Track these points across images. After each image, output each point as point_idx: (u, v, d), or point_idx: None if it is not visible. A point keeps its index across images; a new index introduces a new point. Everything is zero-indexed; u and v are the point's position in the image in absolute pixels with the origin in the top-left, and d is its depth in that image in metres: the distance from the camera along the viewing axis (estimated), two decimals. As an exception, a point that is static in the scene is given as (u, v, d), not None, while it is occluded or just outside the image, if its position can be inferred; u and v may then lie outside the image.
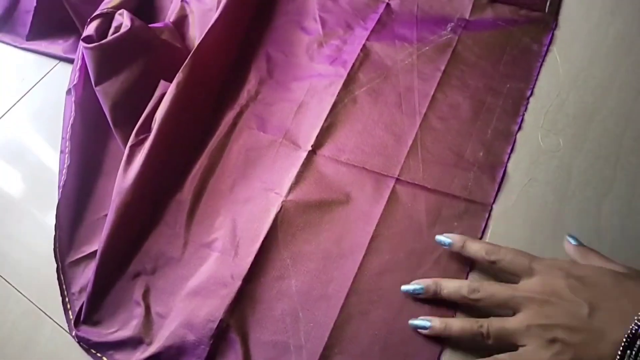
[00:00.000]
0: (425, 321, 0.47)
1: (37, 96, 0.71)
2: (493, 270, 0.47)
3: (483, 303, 0.44)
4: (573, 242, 0.46)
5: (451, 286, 0.46)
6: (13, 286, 0.57)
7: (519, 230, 0.51)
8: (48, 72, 0.72)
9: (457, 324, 0.45)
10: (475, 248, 0.47)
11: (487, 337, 0.43)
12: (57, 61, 0.72)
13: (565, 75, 0.58)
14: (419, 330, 0.47)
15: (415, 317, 0.48)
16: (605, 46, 0.58)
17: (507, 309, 0.43)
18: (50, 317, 0.55)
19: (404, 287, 0.49)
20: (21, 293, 0.57)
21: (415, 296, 0.48)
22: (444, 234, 0.49)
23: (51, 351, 0.54)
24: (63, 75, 0.70)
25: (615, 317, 0.39)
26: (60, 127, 0.64)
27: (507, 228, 0.51)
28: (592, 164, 0.53)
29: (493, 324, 0.43)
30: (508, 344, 0.42)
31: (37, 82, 0.72)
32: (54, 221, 0.59)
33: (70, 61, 0.69)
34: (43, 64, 0.73)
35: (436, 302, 0.48)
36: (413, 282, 0.49)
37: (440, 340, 0.47)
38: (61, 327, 0.54)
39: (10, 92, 0.71)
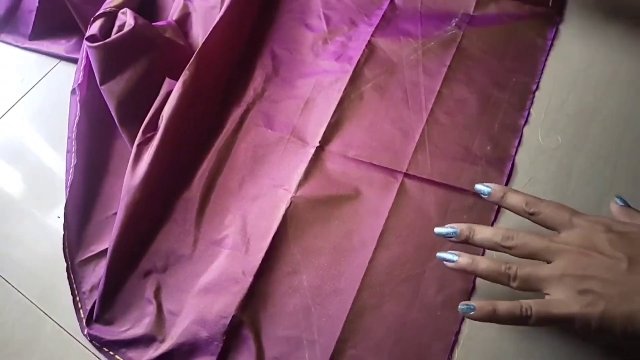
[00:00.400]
0: (452, 255, 0.44)
1: (37, 96, 0.71)
2: (533, 222, 0.44)
3: (516, 251, 0.42)
4: (620, 202, 0.46)
5: (486, 232, 0.43)
6: (13, 286, 0.57)
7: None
8: (48, 72, 0.72)
9: (485, 262, 0.42)
10: (515, 200, 0.44)
11: (514, 279, 0.41)
12: (57, 61, 0.72)
13: (566, 75, 0.58)
14: (445, 262, 0.45)
15: (428, 309, 0.49)
16: (605, 46, 0.59)
17: (540, 259, 0.41)
18: (50, 317, 0.55)
19: (437, 230, 0.46)
20: (21, 293, 0.57)
21: (447, 239, 0.45)
22: (484, 183, 0.46)
23: (51, 351, 0.54)
24: (63, 75, 0.71)
25: None
26: (60, 127, 0.64)
27: (515, 223, 0.52)
28: (592, 164, 0.53)
29: (523, 268, 0.41)
30: (534, 290, 0.41)
31: (37, 82, 0.72)
32: (54, 221, 0.60)
33: (73, 61, 0.70)
34: (43, 64, 0.72)
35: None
36: (448, 225, 0.46)
37: (454, 331, 0.48)
38: (61, 327, 0.54)
39: (10, 92, 0.71)
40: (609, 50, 0.58)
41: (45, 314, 0.55)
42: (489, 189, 0.46)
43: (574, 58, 0.58)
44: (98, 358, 0.52)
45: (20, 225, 0.61)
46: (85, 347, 0.53)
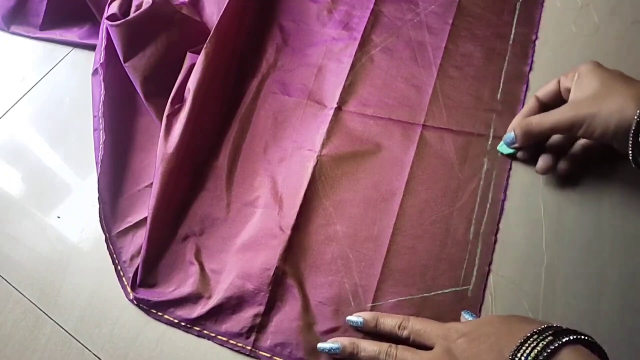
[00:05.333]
0: (335, 344, 0.49)
1: (37, 96, 0.71)
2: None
3: None
4: (468, 317, 0.48)
5: (370, 349, 0.47)
6: (13, 286, 0.58)
7: (520, 229, 0.52)
8: (48, 72, 0.72)
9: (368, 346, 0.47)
10: (390, 323, 0.48)
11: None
12: (57, 61, 0.73)
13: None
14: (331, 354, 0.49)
15: (460, 245, 0.52)
16: (605, 46, 0.59)
17: None
18: (50, 317, 0.55)
19: (320, 345, 0.49)
20: (21, 293, 0.57)
21: (332, 355, 0.49)
22: (355, 313, 0.50)
23: (51, 351, 0.54)
24: (63, 75, 0.72)
25: None
26: (61, 127, 0.66)
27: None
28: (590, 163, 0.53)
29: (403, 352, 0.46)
30: None
31: (37, 82, 0.72)
32: (54, 221, 0.61)
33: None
34: (43, 63, 0.73)
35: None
36: (330, 340, 0.49)
37: (487, 262, 0.51)
38: (61, 327, 0.55)
39: (10, 92, 0.72)
40: (608, 50, 0.59)
41: (45, 314, 0.55)
42: (361, 319, 0.49)
43: (574, 58, 0.59)
44: (98, 358, 0.53)
45: (20, 225, 0.61)
46: (85, 347, 0.53)
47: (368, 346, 0.47)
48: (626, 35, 0.60)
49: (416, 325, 0.47)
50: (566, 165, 0.52)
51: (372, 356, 0.46)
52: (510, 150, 0.54)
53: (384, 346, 0.46)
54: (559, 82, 0.51)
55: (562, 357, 0.37)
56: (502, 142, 0.55)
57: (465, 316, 0.48)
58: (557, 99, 0.52)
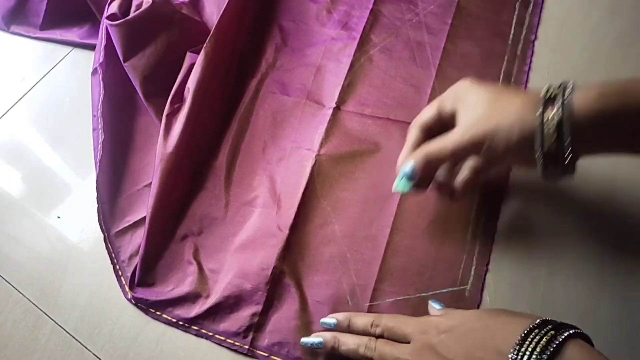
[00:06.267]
0: (317, 338, 0.49)
1: (37, 96, 0.71)
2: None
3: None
4: (437, 306, 0.48)
5: (350, 342, 0.47)
6: (13, 286, 0.58)
7: (520, 229, 0.52)
8: (48, 72, 0.73)
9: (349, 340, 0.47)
10: (361, 322, 0.48)
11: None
12: (57, 61, 0.73)
13: (566, 75, 0.58)
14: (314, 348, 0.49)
15: (459, 244, 0.52)
16: (605, 46, 0.59)
17: None
18: (50, 317, 0.56)
19: (304, 340, 0.49)
20: (21, 293, 0.57)
21: (314, 350, 0.49)
22: (329, 316, 0.50)
23: (51, 351, 0.54)
24: (63, 75, 0.72)
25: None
26: (60, 127, 0.66)
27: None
28: (592, 163, 0.53)
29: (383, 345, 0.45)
30: None
31: (37, 82, 0.72)
32: (54, 221, 0.61)
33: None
34: (43, 63, 0.73)
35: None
36: (313, 334, 0.50)
37: (485, 262, 0.51)
38: (61, 327, 0.55)
39: (10, 92, 0.72)
40: (608, 50, 0.59)
41: (45, 314, 0.56)
42: (334, 320, 0.49)
43: (574, 58, 0.59)
44: (98, 358, 0.53)
45: (20, 225, 0.62)
46: (85, 347, 0.53)
47: (349, 340, 0.47)
48: (626, 36, 0.60)
49: (389, 323, 0.46)
50: (461, 187, 0.50)
51: (353, 349, 0.46)
52: (409, 186, 0.48)
53: (364, 339, 0.46)
54: (436, 107, 0.48)
55: (568, 352, 0.37)
56: (398, 181, 0.49)
57: (434, 305, 0.48)
58: (439, 124, 0.48)
